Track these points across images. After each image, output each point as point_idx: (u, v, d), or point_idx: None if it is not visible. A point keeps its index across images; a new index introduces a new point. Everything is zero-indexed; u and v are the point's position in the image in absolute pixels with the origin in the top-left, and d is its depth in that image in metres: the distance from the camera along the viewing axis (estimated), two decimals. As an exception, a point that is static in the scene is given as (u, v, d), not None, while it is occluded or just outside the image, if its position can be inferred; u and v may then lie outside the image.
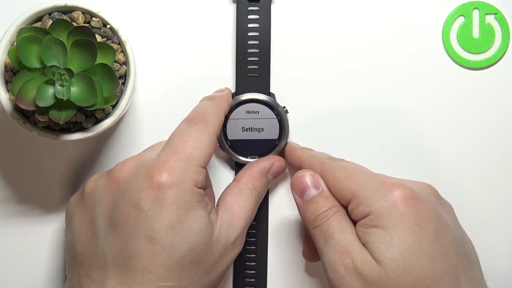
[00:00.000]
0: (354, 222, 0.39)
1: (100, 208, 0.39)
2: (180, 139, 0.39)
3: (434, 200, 0.39)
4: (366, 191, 0.38)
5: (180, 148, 0.39)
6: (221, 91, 0.45)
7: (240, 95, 0.45)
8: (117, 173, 0.39)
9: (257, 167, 0.44)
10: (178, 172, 0.38)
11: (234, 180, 0.44)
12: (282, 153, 0.46)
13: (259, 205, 0.43)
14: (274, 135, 0.45)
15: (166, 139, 0.40)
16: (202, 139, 0.39)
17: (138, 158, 0.40)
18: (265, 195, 0.46)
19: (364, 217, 0.38)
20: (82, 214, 0.40)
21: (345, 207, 0.40)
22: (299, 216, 0.43)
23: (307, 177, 0.41)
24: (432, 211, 0.37)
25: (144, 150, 0.42)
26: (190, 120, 0.40)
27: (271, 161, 0.44)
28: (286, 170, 0.46)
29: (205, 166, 0.39)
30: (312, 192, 0.40)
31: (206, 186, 0.41)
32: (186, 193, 0.38)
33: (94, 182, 0.40)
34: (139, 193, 0.37)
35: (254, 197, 0.42)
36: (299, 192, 0.41)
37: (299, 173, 0.41)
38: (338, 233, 0.38)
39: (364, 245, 0.37)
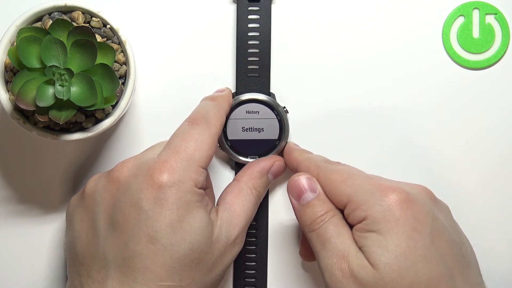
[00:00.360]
0: (351, 226, 0.39)
1: (100, 208, 0.39)
2: (182, 139, 0.39)
3: (430, 202, 0.39)
4: (362, 195, 0.38)
5: (181, 148, 0.39)
6: (222, 91, 0.45)
7: (240, 95, 0.45)
8: (117, 173, 0.39)
9: (258, 166, 0.44)
10: (179, 172, 0.38)
11: (234, 179, 0.44)
12: (282, 153, 0.46)
13: (259, 204, 0.43)
14: (274, 135, 0.45)
15: (166, 139, 0.40)
16: (204, 140, 0.39)
17: (138, 158, 0.40)
18: (265, 195, 0.46)
19: (360, 222, 0.38)
20: (83, 215, 0.40)
21: (341, 211, 0.40)
22: (298, 216, 0.43)
23: (303, 180, 0.41)
24: (427, 213, 0.37)
25: (144, 150, 0.42)
26: (192, 121, 0.40)
27: (272, 160, 0.44)
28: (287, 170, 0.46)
29: (205, 167, 0.39)
30: (309, 195, 0.40)
31: (206, 187, 0.41)
32: (186, 193, 0.38)
33: (94, 183, 0.40)
34: (139, 193, 0.37)
35: (254, 196, 0.42)
36: (295, 195, 0.41)
37: (295, 176, 0.41)
38: (335, 237, 0.38)
39: (360, 248, 0.37)
